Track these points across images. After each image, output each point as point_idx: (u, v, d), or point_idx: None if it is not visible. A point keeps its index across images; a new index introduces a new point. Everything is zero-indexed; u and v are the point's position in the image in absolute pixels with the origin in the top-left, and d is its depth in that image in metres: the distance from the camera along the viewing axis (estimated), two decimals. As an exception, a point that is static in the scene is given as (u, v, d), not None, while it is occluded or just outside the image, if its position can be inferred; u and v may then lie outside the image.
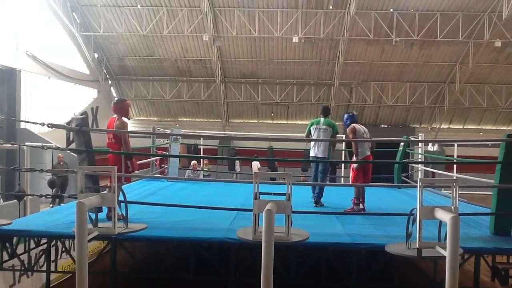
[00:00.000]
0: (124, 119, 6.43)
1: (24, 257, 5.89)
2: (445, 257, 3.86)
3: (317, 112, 26.57)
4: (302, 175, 19.13)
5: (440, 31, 21.05)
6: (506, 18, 19.26)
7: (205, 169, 16.50)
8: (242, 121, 27.76)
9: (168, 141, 11.69)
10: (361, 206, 7.49)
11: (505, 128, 26.17)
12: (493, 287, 6.46)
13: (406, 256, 4.67)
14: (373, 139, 8.39)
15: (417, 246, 4.49)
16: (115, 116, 6.40)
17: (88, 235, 4.26)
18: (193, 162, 14.13)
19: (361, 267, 5.41)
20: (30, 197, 8.62)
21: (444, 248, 3.95)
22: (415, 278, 7.42)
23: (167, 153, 11.71)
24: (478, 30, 21.20)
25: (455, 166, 11.24)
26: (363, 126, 7.99)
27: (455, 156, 11.51)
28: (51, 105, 19.43)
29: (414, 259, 4.72)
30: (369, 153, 7.66)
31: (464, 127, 27.08)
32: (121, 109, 6.47)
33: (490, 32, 20.75)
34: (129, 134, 6.49)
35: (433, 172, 11.00)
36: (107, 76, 25.92)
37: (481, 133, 26.39)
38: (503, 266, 5.81)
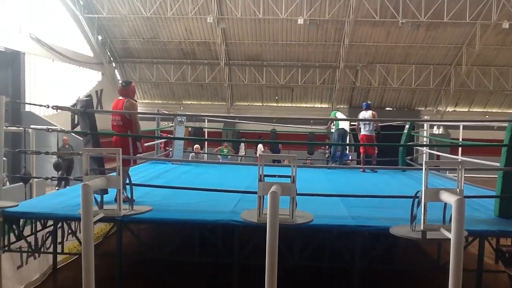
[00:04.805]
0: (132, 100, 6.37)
1: (31, 239, 5.93)
2: (449, 239, 3.85)
3: (322, 95, 26.62)
4: (308, 158, 19.11)
5: (447, 13, 20.77)
6: (514, -1, 19.00)
7: (224, 151, 16.53)
8: (246, 104, 27.70)
9: (173, 124, 11.68)
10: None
11: (511, 111, 25.94)
12: (497, 270, 6.46)
13: (410, 238, 4.66)
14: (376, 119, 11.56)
15: (422, 228, 4.47)
16: (121, 98, 6.28)
17: (94, 217, 4.28)
18: (196, 146, 14.12)
19: (364, 250, 5.43)
20: (36, 179, 8.65)
21: (449, 230, 3.94)
22: (419, 261, 7.45)
23: (172, 136, 11.71)
24: (486, 11, 20.89)
25: (460, 148, 11.15)
26: (367, 113, 10.85)
27: (460, 139, 11.41)
28: (55, 88, 19.41)
29: (419, 241, 4.72)
30: (363, 133, 10.73)
31: (470, 110, 26.90)
32: (129, 91, 6.38)
33: (498, 14, 20.47)
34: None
35: (438, 155, 10.95)
36: (111, 58, 25.83)
37: (487, 116, 26.20)
38: (507, 249, 5.80)
